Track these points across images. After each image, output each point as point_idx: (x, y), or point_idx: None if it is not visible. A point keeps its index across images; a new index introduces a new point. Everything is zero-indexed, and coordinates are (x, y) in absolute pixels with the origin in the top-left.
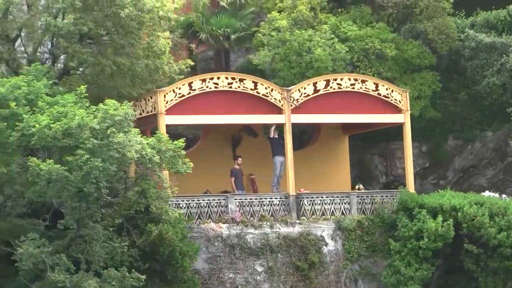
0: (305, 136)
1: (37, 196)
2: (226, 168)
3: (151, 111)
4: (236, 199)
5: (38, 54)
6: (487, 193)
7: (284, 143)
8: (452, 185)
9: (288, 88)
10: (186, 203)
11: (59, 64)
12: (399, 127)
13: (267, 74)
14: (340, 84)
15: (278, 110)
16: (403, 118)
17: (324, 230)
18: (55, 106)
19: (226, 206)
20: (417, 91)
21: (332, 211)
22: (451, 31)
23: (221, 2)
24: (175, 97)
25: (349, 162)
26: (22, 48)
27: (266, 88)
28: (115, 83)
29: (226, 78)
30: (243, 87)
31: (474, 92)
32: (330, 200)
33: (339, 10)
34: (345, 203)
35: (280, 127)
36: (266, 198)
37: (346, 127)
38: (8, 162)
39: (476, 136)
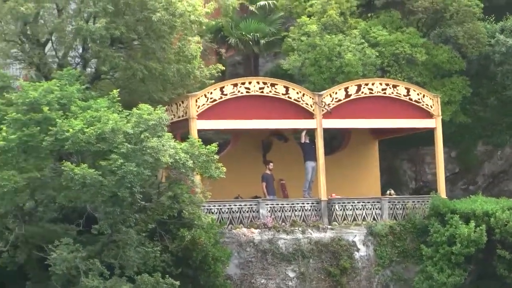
0: (335, 141)
1: (68, 201)
2: (256, 173)
3: (182, 116)
4: (267, 204)
5: (69, 58)
6: None
7: (315, 148)
8: (482, 191)
9: (320, 93)
10: (217, 208)
11: (90, 69)
12: (429, 132)
13: (296, 79)
14: (372, 89)
15: (310, 115)
16: (435, 123)
17: (355, 235)
18: (88, 111)
19: (257, 211)
20: (447, 96)
21: (364, 217)
22: (481, 36)
23: (250, 7)
24: (206, 101)
25: (379, 167)
26: (52, 52)
27: (297, 93)
28: (146, 87)
29: (258, 82)
30: (275, 91)
31: (504, 97)
32: (362, 205)
33: (369, 15)
34: (376, 209)
35: (311, 132)
36: (297, 203)
37: (376, 132)
38: (41, 166)
39: (506, 141)
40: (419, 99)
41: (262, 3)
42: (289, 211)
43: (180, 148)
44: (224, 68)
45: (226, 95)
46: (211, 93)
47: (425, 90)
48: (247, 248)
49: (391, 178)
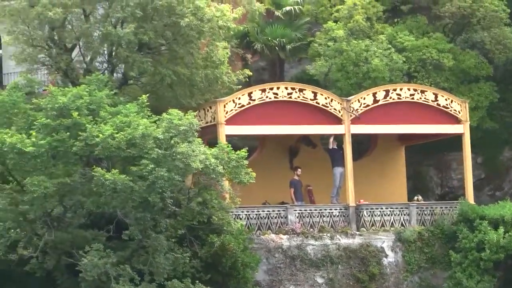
0: (361, 146)
1: (96, 207)
2: (283, 179)
3: (210, 122)
4: (296, 210)
5: (96, 63)
6: None
7: (343, 153)
8: (509, 197)
9: (348, 99)
10: (245, 214)
11: (117, 74)
12: (454, 138)
13: (322, 85)
14: (400, 95)
15: (338, 121)
16: (462, 129)
17: (384, 241)
18: (118, 116)
19: (285, 217)
20: (474, 102)
21: (392, 222)
22: (508, 42)
23: (276, 12)
24: (234, 107)
25: (405, 173)
26: (79, 58)
27: (326, 98)
28: (174, 93)
29: (286, 88)
30: (303, 97)
31: None
32: (390, 211)
33: (395, 20)
34: (404, 214)
35: (338, 138)
36: (325, 209)
37: (403, 138)
38: (70, 172)
39: None
40: (447, 104)
41: (288, 8)
42: (317, 217)
43: (210, 153)
44: (251, 73)
45: (254, 100)
46: (239, 98)
47: (453, 96)
48: (275, 254)
49: (416, 184)
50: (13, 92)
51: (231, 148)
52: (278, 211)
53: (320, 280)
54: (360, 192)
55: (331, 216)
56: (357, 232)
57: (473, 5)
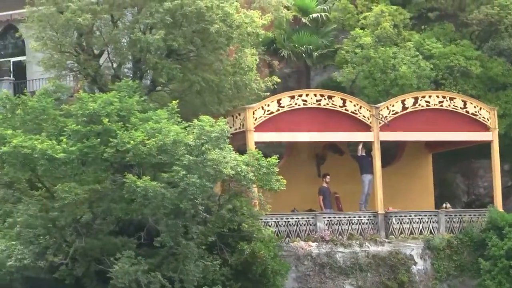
0: (388, 154)
1: (125, 214)
2: (310, 186)
3: (239, 128)
4: (325, 218)
5: (125, 70)
6: None
7: (371, 160)
8: None
9: (377, 106)
10: (274, 221)
11: (145, 80)
12: (481, 145)
13: (348, 92)
14: (429, 102)
15: (367, 128)
16: (491, 136)
17: (413, 249)
18: (149, 122)
19: (314, 225)
20: (501, 109)
21: (420, 230)
22: None
23: (302, 19)
24: (263, 114)
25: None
26: (107, 64)
27: (355, 105)
28: (202, 99)
29: (315, 95)
30: (332, 104)
31: None
32: (418, 218)
33: (422, 27)
34: (433, 222)
35: (366, 145)
36: (354, 217)
37: (430, 145)
38: (100, 178)
39: None
40: (476, 112)
41: (314, 15)
42: (346, 224)
43: (241, 160)
44: (279, 80)
45: (283, 107)
46: (268, 105)
47: (481, 103)
48: (304, 262)
49: (443, 192)
50: (43, 98)
51: (262, 155)
52: (307, 218)
53: None
54: (387, 199)
55: (360, 224)
56: (386, 240)
57: (500, 12)
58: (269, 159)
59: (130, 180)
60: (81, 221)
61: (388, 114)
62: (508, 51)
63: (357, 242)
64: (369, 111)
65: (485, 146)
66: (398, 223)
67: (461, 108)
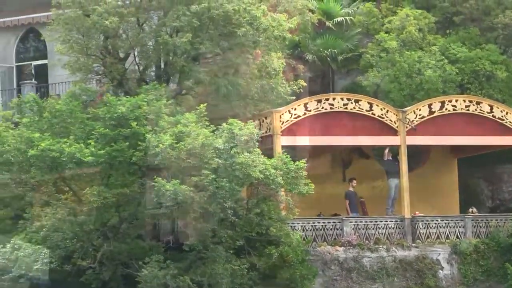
0: (413, 159)
1: (153, 217)
2: (336, 190)
3: (266, 132)
4: (351, 222)
5: (151, 73)
6: None
7: (398, 165)
8: None
9: (404, 110)
10: (301, 226)
11: (172, 84)
12: (505, 150)
13: (373, 96)
14: (455, 106)
15: (393, 132)
16: None
17: (440, 253)
18: (177, 126)
19: (341, 229)
20: None
21: (447, 235)
22: None
23: (327, 23)
24: (290, 117)
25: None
26: (133, 67)
27: (381, 109)
28: (228, 103)
29: (342, 99)
30: (359, 108)
31: None
32: (445, 223)
33: (447, 31)
34: (459, 227)
35: (393, 149)
36: (381, 221)
37: (456, 150)
38: (127, 182)
39: None
40: (502, 116)
41: (339, 19)
42: (373, 229)
43: (270, 164)
44: (305, 84)
45: (310, 111)
46: (295, 109)
47: (508, 107)
48: (331, 266)
49: (467, 197)
50: (70, 101)
51: (290, 159)
52: (334, 222)
53: None
54: (412, 204)
55: (386, 228)
56: (413, 244)
57: None
58: (297, 163)
59: (160, 184)
60: (108, 225)
61: (415, 118)
62: None
63: (384, 247)
64: (396, 115)
65: (508, 151)
66: (424, 227)
67: (487, 112)
